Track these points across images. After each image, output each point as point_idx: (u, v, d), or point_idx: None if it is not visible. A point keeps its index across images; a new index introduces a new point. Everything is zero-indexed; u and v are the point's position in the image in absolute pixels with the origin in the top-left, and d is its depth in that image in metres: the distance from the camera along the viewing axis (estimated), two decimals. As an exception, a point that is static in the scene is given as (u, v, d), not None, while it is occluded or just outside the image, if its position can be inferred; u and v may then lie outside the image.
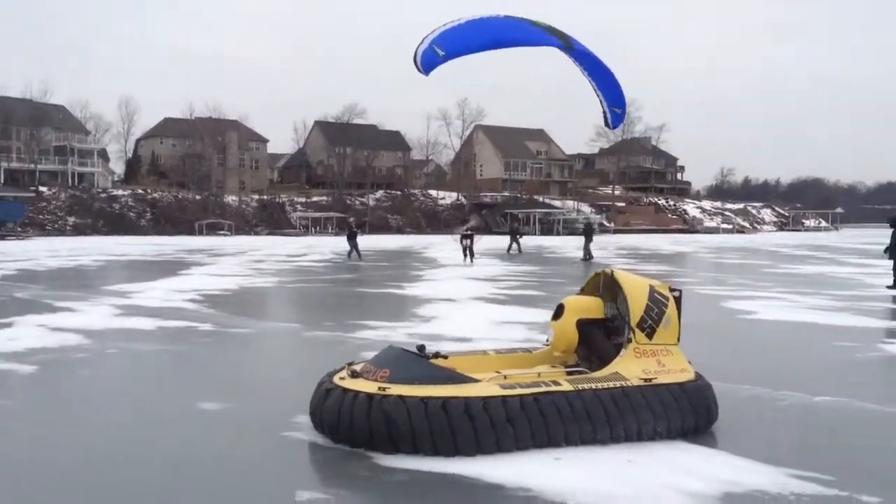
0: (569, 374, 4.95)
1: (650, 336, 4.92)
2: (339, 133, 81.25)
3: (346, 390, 4.45)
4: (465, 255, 23.97)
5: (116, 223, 63.14)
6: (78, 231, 59.81)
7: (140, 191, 70.47)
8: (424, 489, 3.83)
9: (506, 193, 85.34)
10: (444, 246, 37.98)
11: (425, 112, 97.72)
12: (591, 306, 5.28)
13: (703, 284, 16.80)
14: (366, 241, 34.37)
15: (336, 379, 4.66)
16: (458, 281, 16.95)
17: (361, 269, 21.61)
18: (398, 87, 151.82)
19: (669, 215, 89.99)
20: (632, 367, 4.79)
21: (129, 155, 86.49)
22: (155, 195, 69.94)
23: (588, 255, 26.22)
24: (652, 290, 5.06)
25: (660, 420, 4.58)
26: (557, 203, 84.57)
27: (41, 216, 60.81)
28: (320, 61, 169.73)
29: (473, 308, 11.65)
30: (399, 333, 8.80)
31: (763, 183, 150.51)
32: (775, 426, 5.06)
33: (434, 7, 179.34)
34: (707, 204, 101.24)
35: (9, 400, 5.62)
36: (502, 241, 42.20)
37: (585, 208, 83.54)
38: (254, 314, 11.42)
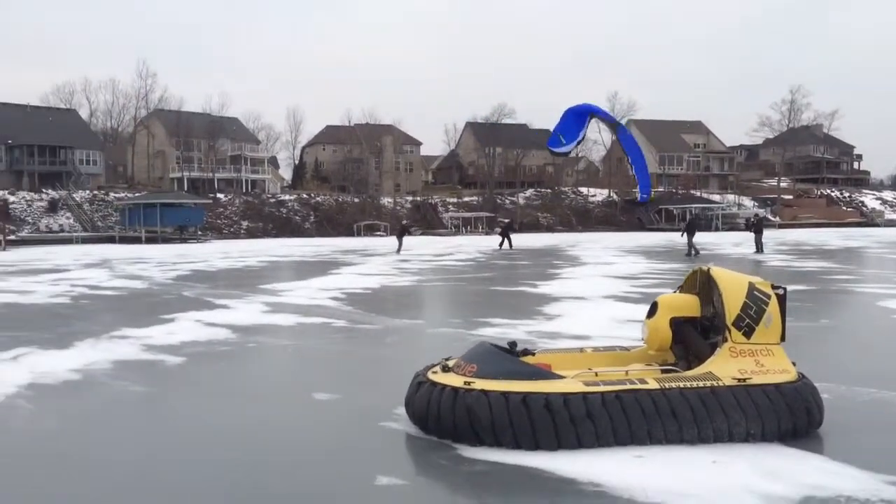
0: (663, 373, 4.91)
1: (748, 335, 4.77)
2: (489, 133, 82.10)
3: (434, 384, 4.70)
4: (500, 245, 33.33)
5: (284, 226, 67.47)
6: (250, 234, 64.49)
7: (305, 195, 74.83)
8: (498, 480, 3.97)
9: (660, 189, 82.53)
10: (591, 244, 37.44)
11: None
12: (686, 304, 5.19)
13: (861, 282, 15.57)
14: (515, 240, 34.76)
15: (429, 373, 4.92)
16: (596, 279, 16.77)
17: (499, 268, 21.84)
18: (544, 84, 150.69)
19: (844, 208, 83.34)
20: (727, 366, 4.67)
21: (296, 162, 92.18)
22: (318, 199, 74.00)
23: (694, 252, 25.56)
24: (751, 287, 4.89)
25: (752, 421, 4.45)
26: (716, 197, 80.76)
27: (218, 221, 66.11)
28: (470, 63, 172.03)
29: (601, 306, 11.56)
30: (519, 331, 8.93)
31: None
32: (887, 432, 4.75)
33: (568, 6, 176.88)
34: (889, 195, 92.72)
35: (151, 387, 6.33)
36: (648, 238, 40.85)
37: (747, 202, 79.17)
38: (386, 311, 11.95)
